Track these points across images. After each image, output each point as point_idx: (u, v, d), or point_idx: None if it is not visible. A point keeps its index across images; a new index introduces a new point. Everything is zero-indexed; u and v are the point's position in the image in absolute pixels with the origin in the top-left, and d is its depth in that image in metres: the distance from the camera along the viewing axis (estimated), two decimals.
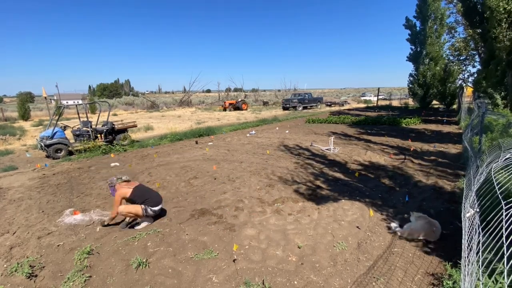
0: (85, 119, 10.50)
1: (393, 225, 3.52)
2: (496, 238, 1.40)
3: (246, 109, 26.55)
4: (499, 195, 1.54)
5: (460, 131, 10.77)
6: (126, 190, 3.74)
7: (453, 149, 7.78)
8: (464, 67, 23.38)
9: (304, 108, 26.47)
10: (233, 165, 6.78)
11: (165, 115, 25.27)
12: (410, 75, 23.28)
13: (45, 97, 20.87)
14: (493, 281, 1.95)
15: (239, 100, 28.55)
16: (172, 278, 2.73)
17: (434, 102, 23.91)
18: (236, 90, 68.91)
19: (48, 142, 8.63)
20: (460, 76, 23.18)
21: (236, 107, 26.82)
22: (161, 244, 3.33)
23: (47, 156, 8.76)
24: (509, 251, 1.18)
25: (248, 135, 11.58)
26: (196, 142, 10.02)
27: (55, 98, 46.79)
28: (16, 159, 8.97)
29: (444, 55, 22.03)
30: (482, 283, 1.71)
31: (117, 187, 3.80)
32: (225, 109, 26.91)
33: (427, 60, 21.55)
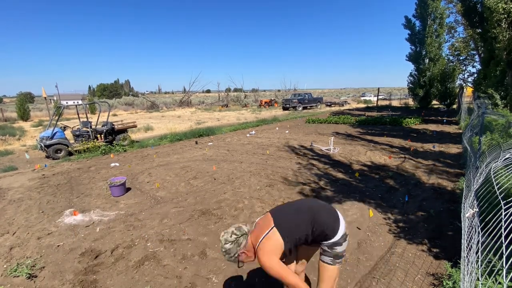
0: (85, 120, 10.53)
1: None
2: (496, 238, 1.40)
3: (276, 106, 32.49)
4: (499, 195, 1.54)
5: (460, 131, 10.77)
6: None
7: (453, 149, 7.78)
8: (464, 67, 23.41)
9: (304, 108, 26.52)
10: (233, 165, 6.78)
11: (165, 115, 25.28)
12: (410, 75, 23.32)
13: (45, 98, 20.88)
14: (492, 281, 1.95)
15: (272, 99, 36.16)
16: (172, 278, 2.73)
17: (434, 102, 23.94)
18: (236, 90, 68.90)
19: (48, 142, 8.65)
20: (460, 76, 23.22)
21: (270, 104, 33.25)
22: (161, 244, 3.33)
23: (47, 157, 8.77)
24: (508, 251, 1.18)
25: (248, 135, 11.58)
26: (196, 143, 10.02)
27: (55, 98, 46.75)
28: (16, 160, 8.98)
29: (444, 55, 22.06)
30: (482, 283, 1.71)
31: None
32: (260, 106, 32.60)
33: (427, 60, 21.58)
